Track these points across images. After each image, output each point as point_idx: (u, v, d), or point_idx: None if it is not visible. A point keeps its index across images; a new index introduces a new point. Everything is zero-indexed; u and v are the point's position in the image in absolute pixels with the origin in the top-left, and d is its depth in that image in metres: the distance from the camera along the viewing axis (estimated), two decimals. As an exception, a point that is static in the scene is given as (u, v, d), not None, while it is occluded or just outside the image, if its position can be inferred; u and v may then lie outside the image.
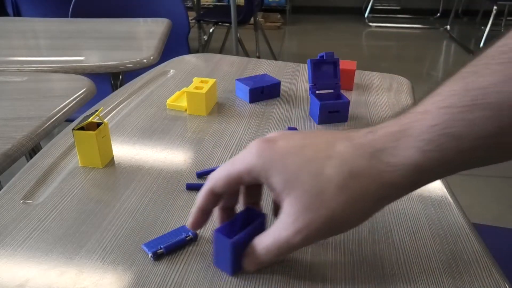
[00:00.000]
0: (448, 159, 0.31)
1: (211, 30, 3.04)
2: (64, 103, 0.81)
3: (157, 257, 0.41)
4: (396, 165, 0.32)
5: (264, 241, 0.36)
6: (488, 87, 0.30)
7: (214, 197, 0.38)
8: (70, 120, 0.75)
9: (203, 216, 0.39)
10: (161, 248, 0.41)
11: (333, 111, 0.67)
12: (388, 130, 0.33)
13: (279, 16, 4.43)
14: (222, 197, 0.39)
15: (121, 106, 0.73)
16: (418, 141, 0.31)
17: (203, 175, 0.54)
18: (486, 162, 0.33)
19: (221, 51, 3.18)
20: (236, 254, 0.38)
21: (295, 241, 0.34)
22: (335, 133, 0.36)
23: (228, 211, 0.41)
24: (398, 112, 0.34)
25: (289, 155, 0.34)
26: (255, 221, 0.39)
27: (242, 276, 0.39)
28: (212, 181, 0.37)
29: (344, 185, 0.32)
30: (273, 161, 0.34)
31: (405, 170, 0.32)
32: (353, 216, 0.34)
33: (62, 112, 0.78)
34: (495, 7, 3.35)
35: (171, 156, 0.58)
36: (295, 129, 0.58)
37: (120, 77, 1.26)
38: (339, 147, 0.34)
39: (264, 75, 0.79)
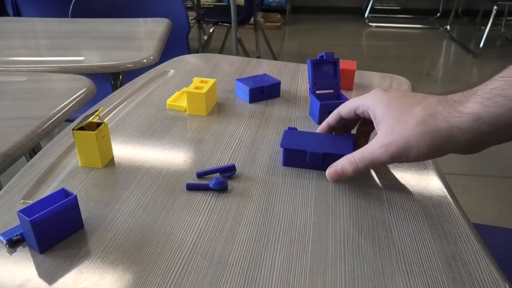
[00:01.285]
0: (501, 113, 0.40)
1: (211, 30, 3.04)
2: (64, 103, 0.81)
3: (13, 244, 0.42)
4: (463, 112, 0.42)
5: (354, 153, 0.49)
6: None
7: (339, 118, 0.56)
8: (70, 120, 0.75)
9: (328, 129, 0.58)
10: (16, 235, 0.42)
11: (333, 111, 0.66)
12: (466, 92, 0.44)
13: (279, 16, 4.43)
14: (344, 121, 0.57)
15: (121, 106, 0.73)
16: (480, 98, 0.41)
17: (203, 175, 0.54)
18: None
19: (221, 51, 3.18)
20: (40, 233, 0.40)
21: (376, 153, 0.47)
22: (428, 95, 0.48)
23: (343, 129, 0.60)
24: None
25: (393, 99, 0.48)
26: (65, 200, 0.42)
27: (242, 276, 0.39)
28: (340, 107, 0.56)
29: (423, 120, 0.44)
30: (380, 100, 0.49)
31: (469, 117, 0.42)
32: (423, 147, 0.44)
33: (62, 112, 0.78)
34: (495, 7, 3.35)
35: (171, 156, 0.58)
36: (295, 128, 0.60)
37: (120, 77, 1.26)
38: (429, 98, 0.46)
39: (264, 75, 0.79)
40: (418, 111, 0.45)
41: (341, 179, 0.51)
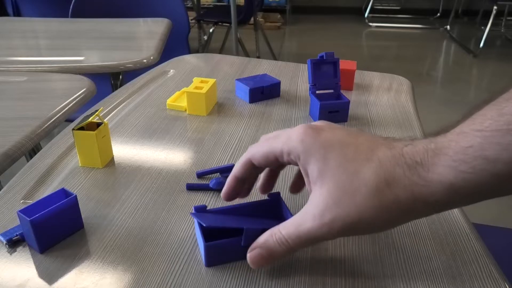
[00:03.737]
0: (482, 181, 0.31)
1: (211, 30, 3.04)
2: (64, 103, 0.81)
3: (13, 244, 0.42)
4: (431, 181, 0.32)
5: (283, 230, 0.36)
6: None
7: (250, 167, 0.40)
8: (70, 120, 0.75)
9: (237, 184, 0.42)
10: (16, 235, 0.42)
11: (333, 111, 0.67)
12: (427, 146, 0.33)
13: (279, 16, 4.43)
14: (256, 170, 0.41)
15: (121, 106, 0.73)
16: (453, 160, 0.31)
17: (203, 175, 0.54)
18: None
19: (221, 51, 3.18)
20: (40, 233, 0.40)
21: (317, 234, 0.35)
22: (376, 138, 0.36)
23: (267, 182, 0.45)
24: (436, 131, 0.34)
25: (331, 149, 0.35)
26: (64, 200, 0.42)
27: (242, 276, 0.39)
28: (251, 152, 0.40)
29: (377, 190, 0.33)
30: (314, 149, 0.36)
31: (438, 187, 0.32)
32: (378, 222, 0.34)
33: (62, 112, 0.78)
34: (495, 7, 3.35)
35: (171, 156, 0.58)
36: (204, 206, 0.43)
37: (120, 77, 1.26)
38: (379, 152, 0.34)
39: (264, 75, 0.79)
40: (369, 175, 0.33)
41: (270, 263, 0.39)
